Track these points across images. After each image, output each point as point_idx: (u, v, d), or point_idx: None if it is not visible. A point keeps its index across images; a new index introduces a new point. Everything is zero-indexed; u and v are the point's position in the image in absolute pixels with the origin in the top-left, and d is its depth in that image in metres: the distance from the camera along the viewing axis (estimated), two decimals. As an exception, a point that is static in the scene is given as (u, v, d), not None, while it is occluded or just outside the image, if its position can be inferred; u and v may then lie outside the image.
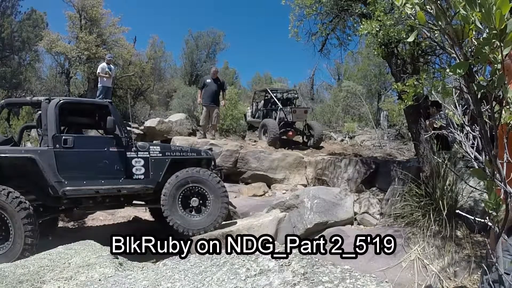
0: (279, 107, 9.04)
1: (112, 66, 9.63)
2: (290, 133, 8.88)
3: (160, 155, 4.65)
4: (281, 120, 8.87)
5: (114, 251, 2.67)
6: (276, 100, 9.32)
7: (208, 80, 7.96)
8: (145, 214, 6.30)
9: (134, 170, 4.49)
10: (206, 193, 4.62)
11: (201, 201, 4.64)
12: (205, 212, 4.60)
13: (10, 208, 3.67)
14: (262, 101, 10.31)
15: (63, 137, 4.21)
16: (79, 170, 4.27)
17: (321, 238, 4.67)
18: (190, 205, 4.60)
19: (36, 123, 5.03)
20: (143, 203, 5.06)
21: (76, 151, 4.24)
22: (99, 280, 1.60)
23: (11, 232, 3.69)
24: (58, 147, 4.14)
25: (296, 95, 10.54)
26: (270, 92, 9.75)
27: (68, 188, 4.13)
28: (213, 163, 5.15)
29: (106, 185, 4.33)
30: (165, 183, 4.52)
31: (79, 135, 4.91)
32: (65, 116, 4.52)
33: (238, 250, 1.59)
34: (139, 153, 4.54)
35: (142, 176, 4.53)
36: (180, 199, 4.53)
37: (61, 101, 4.33)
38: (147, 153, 4.59)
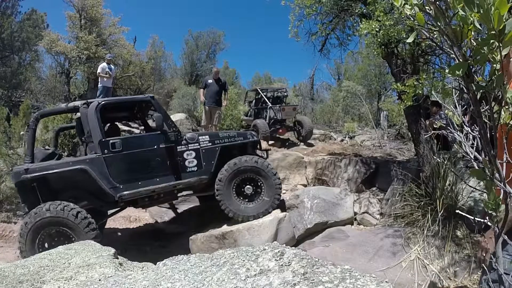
0: (269, 106, 9.29)
1: (112, 66, 9.62)
2: (281, 130, 9.14)
3: (210, 144, 4.60)
4: (271, 118, 9.13)
5: (114, 251, 2.67)
6: (266, 99, 9.56)
7: (210, 81, 7.94)
8: (145, 214, 6.31)
9: (186, 163, 4.44)
10: (261, 182, 4.65)
11: (254, 189, 4.68)
12: (258, 200, 4.65)
13: (79, 228, 3.70)
14: (254, 100, 10.55)
15: (111, 141, 4.11)
16: (133, 172, 4.20)
17: (321, 238, 4.67)
18: (244, 193, 4.64)
19: (76, 128, 4.92)
20: (191, 192, 5.00)
21: (126, 154, 4.15)
22: (99, 280, 1.60)
23: None
24: (107, 153, 4.06)
25: (285, 94, 10.82)
26: (260, 91, 10.02)
27: (125, 192, 4.09)
28: (258, 145, 5.18)
29: (162, 182, 4.29)
30: (217, 172, 4.52)
31: (126, 136, 4.82)
32: (104, 115, 4.42)
33: (238, 250, 1.59)
34: (189, 145, 4.49)
35: (195, 168, 4.50)
36: (234, 187, 4.57)
37: (101, 104, 4.20)
38: (197, 144, 4.54)
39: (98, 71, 9.16)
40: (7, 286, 1.59)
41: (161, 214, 6.22)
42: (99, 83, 9.27)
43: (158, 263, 1.68)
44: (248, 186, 4.65)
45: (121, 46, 13.38)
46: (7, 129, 7.70)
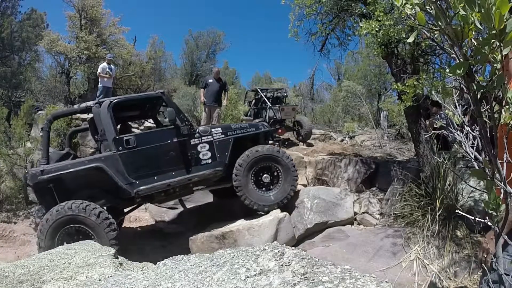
0: (268, 106, 9.32)
1: (112, 66, 9.62)
2: (280, 130, 9.18)
3: (223, 136, 4.63)
4: (270, 119, 9.16)
5: (114, 251, 2.68)
6: (265, 99, 9.60)
7: (210, 80, 7.96)
8: (145, 214, 6.31)
9: (201, 156, 4.48)
10: (278, 170, 4.68)
11: (271, 177, 4.72)
12: (276, 188, 4.70)
13: (98, 227, 3.70)
14: (253, 100, 10.57)
15: (125, 138, 4.14)
16: (148, 168, 4.23)
17: (321, 238, 4.67)
18: (262, 182, 4.67)
19: (89, 128, 4.94)
20: (204, 186, 5.00)
21: (140, 150, 4.19)
22: (99, 280, 1.60)
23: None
24: (121, 150, 4.09)
25: (285, 94, 10.86)
26: (260, 92, 10.07)
27: (141, 188, 4.13)
28: (270, 135, 5.20)
29: (177, 176, 4.33)
30: (231, 163, 4.55)
31: (140, 133, 4.88)
32: (116, 114, 4.43)
33: (238, 250, 1.59)
34: (202, 138, 4.51)
35: (210, 161, 4.53)
36: (252, 177, 4.60)
37: (113, 102, 4.23)
38: (210, 136, 4.57)
39: (98, 71, 9.16)
40: (7, 286, 1.59)
41: (161, 214, 6.22)
42: (99, 83, 9.27)
43: (158, 263, 1.67)
44: (265, 175, 4.69)
45: (121, 46, 13.36)
46: (7, 129, 7.69)
